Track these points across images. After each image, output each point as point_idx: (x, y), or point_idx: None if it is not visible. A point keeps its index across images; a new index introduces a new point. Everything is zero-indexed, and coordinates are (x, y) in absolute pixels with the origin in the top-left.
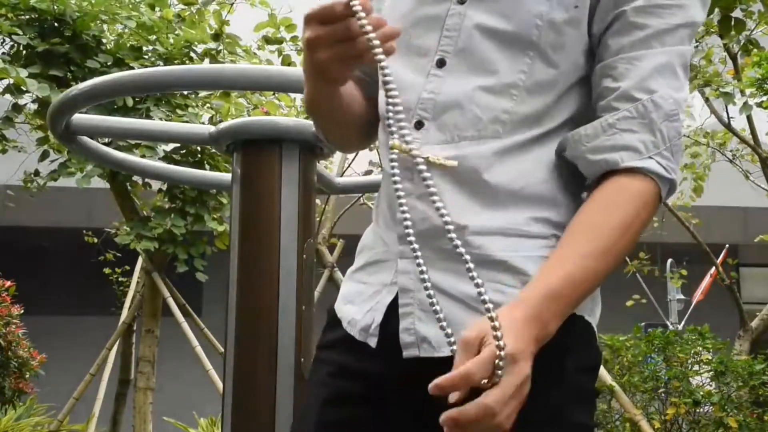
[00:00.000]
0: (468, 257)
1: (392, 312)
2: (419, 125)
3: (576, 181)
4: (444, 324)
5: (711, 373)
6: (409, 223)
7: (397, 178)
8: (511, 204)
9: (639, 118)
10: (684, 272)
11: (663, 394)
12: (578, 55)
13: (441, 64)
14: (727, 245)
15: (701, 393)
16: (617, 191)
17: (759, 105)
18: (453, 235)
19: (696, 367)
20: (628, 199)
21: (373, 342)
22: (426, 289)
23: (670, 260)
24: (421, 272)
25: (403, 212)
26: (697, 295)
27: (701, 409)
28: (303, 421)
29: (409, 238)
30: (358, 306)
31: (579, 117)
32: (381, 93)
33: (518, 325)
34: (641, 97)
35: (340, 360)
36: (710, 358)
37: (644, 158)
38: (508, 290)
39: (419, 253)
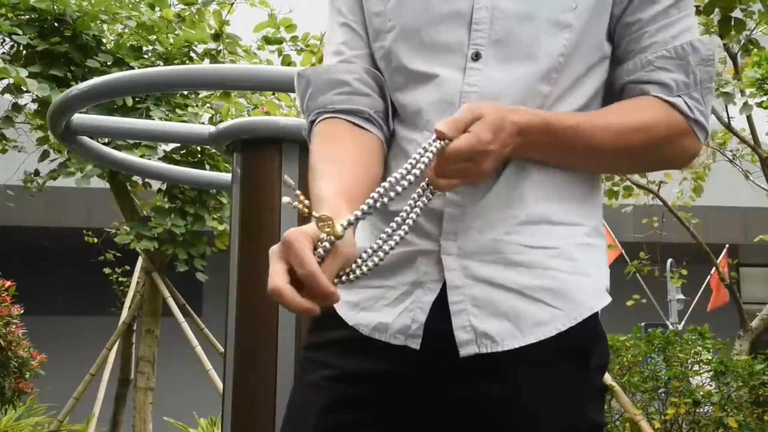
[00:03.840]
0: None
1: (437, 312)
2: None
3: None
4: None
5: (711, 373)
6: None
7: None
8: (554, 193)
9: (677, 59)
10: (684, 272)
11: (663, 394)
12: (601, 36)
13: (477, 57)
14: (727, 245)
15: (701, 393)
16: (644, 100)
17: (759, 105)
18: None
19: (696, 367)
20: (652, 106)
21: (415, 344)
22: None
23: (670, 260)
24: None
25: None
26: (713, 302)
27: (701, 409)
28: (297, 425)
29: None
30: (380, 311)
31: (597, 95)
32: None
33: (508, 122)
34: (679, 43)
35: (343, 363)
36: (710, 358)
37: (673, 96)
38: (561, 276)
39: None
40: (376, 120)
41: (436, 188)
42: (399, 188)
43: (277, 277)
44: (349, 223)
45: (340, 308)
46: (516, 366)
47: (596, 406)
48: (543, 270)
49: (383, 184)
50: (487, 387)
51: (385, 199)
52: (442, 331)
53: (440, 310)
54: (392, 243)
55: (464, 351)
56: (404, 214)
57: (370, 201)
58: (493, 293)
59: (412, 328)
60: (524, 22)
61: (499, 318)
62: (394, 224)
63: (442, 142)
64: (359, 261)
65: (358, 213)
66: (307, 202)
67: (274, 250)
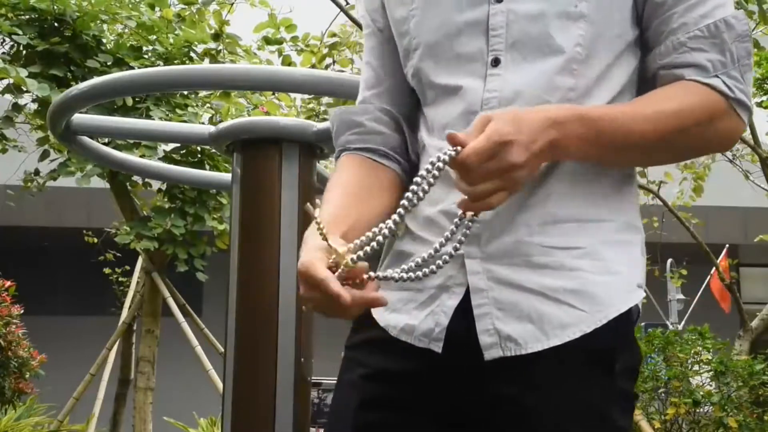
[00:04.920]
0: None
1: (461, 315)
2: None
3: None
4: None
5: (711, 373)
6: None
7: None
8: (580, 189)
9: (710, 37)
10: (684, 272)
11: (663, 394)
12: (625, 21)
13: (496, 62)
14: (727, 245)
15: (701, 393)
16: (680, 85)
17: (759, 105)
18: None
19: (696, 367)
20: (689, 90)
21: (437, 347)
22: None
23: (670, 260)
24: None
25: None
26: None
27: (701, 409)
28: (338, 422)
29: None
30: (408, 313)
31: (630, 85)
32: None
33: (533, 114)
34: (711, 21)
35: (374, 363)
36: (710, 358)
37: (710, 77)
38: (585, 276)
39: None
40: (391, 155)
41: (474, 202)
42: (409, 206)
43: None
44: (359, 257)
45: (374, 309)
46: (539, 368)
47: (622, 411)
48: (568, 271)
49: (398, 209)
50: (510, 389)
51: (397, 219)
52: (466, 334)
53: (465, 313)
54: (431, 268)
55: (489, 354)
56: (447, 246)
57: (381, 227)
58: (516, 296)
59: (435, 332)
60: (536, 20)
61: (523, 321)
62: (436, 257)
63: (453, 150)
64: (405, 268)
65: (366, 245)
66: (325, 230)
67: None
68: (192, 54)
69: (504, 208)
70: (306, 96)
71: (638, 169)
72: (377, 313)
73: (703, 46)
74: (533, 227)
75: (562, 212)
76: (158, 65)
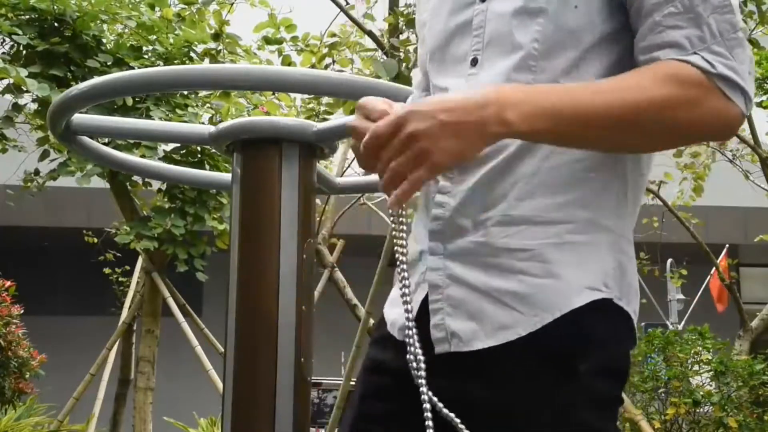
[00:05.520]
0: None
1: (425, 309)
2: None
3: (606, 160)
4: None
5: (711, 373)
6: (438, 215)
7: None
8: (542, 186)
9: (685, 12)
10: (684, 272)
11: (663, 394)
12: (592, 13)
13: (474, 62)
14: (727, 245)
15: (701, 393)
16: (655, 65)
17: (759, 105)
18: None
19: (696, 367)
20: (663, 70)
21: (402, 336)
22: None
23: (670, 260)
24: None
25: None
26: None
27: (701, 409)
28: (349, 410)
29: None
30: (398, 307)
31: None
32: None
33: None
34: None
35: (378, 357)
36: (710, 358)
37: (689, 54)
38: (528, 279)
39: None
40: None
41: (389, 186)
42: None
43: None
44: None
45: (386, 305)
46: (494, 367)
47: (595, 411)
48: (514, 273)
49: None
50: (467, 386)
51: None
52: (426, 329)
53: (428, 310)
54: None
55: (438, 349)
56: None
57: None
58: (467, 295)
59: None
60: (504, 18)
61: (469, 319)
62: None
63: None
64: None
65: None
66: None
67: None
68: (192, 54)
69: (462, 207)
70: (306, 96)
71: None
72: (385, 309)
73: (679, 23)
74: (489, 228)
75: (517, 213)
76: (158, 65)
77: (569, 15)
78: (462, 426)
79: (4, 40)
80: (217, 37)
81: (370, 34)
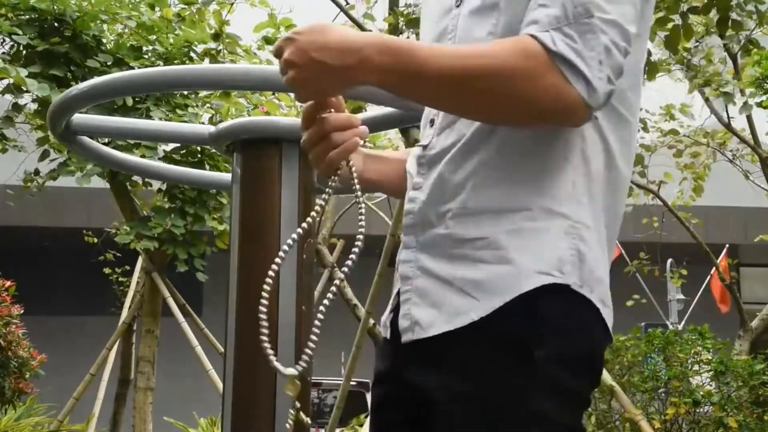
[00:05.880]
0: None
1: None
2: (431, 123)
3: (557, 150)
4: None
5: (711, 373)
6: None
7: (410, 171)
8: (498, 176)
9: None
10: (684, 272)
11: (663, 394)
12: (522, 8)
13: None
14: (727, 245)
15: (701, 393)
16: (516, 38)
17: (759, 105)
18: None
19: (696, 367)
20: (512, 42)
21: (387, 333)
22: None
23: (670, 260)
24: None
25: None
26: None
27: (701, 409)
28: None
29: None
30: (387, 309)
31: None
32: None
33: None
34: None
35: (378, 367)
36: (710, 358)
37: (542, 31)
38: (485, 267)
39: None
40: None
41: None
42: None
43: None
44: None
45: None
46: (452, 353)
47: (551, 401)
48: (473, 262)
49: None
50: (427, 375)
51: None
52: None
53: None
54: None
55: (404, 338)
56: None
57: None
58: (432, 284)
59: (386, 321)
60: (465, 17)
61: (431, 307)
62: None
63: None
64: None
65: None
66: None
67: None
68: (192, 54)
69: (428, 200)
70: None
71: (638, 168)
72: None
73: (546, 2)
74: (450, 220)
75: (474, 204)
76: (158, 65)
77: (519, 7)
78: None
79: (4, 40)
80: (217, 37)
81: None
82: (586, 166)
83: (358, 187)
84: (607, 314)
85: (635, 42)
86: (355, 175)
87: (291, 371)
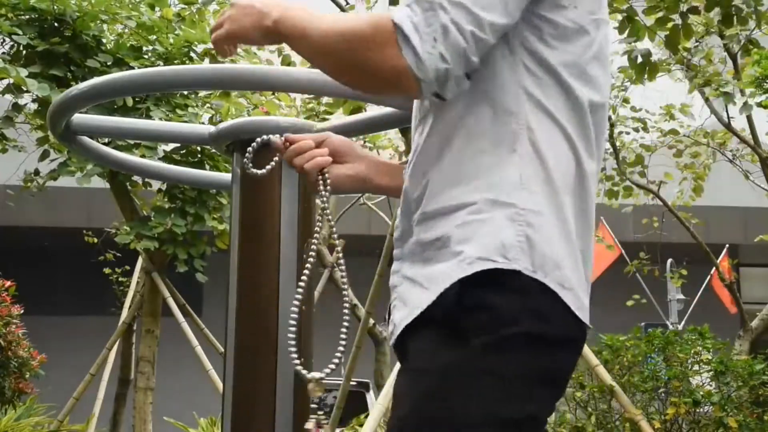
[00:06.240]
0: None
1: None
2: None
3: (502, 142)
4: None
5: (711, 373)
6: (396, 227)
7: None
8: (453, 176)
9: None
10: (684, 272)
11: (663, 394)
12: None
13: None
14: (727, 245)
15: (701, 393)
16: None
17: (759, 105)
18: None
19: (696, 367)
20: (374, 16)
21: (393, 341)
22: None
23: (670, 260)
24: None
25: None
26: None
27: (701, 409)
28: None
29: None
30: None
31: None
32: None
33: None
34: None
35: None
36: (710, 358)
37: (402, 6)
38: (439, 261)
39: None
40: None
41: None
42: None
43: None
44: None
45: None
46: (409, 349)
47: (495, 389)
48: (434, 261)
49: None
50: (401, 373)
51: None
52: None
53: None
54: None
55: (391, 342)
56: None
57: None
58: (407, 287)
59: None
60: None
61: (403, 307)
62: None
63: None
64: None
65: None
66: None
67: None
68: (192, 54)
69: (405, 211)
70: (306, 96)
71: (638, 168)
72: None
73: None
74: (417, 227)
75: (430, 208)
76: (158, 65)
77: None
78: None
79: (4, 40)
80: None
81: None
82: (538, 155)
83: (326, 194)
84: (570, 297)
85: (573, 12)
86: (328, 183)
87: (317, 375)
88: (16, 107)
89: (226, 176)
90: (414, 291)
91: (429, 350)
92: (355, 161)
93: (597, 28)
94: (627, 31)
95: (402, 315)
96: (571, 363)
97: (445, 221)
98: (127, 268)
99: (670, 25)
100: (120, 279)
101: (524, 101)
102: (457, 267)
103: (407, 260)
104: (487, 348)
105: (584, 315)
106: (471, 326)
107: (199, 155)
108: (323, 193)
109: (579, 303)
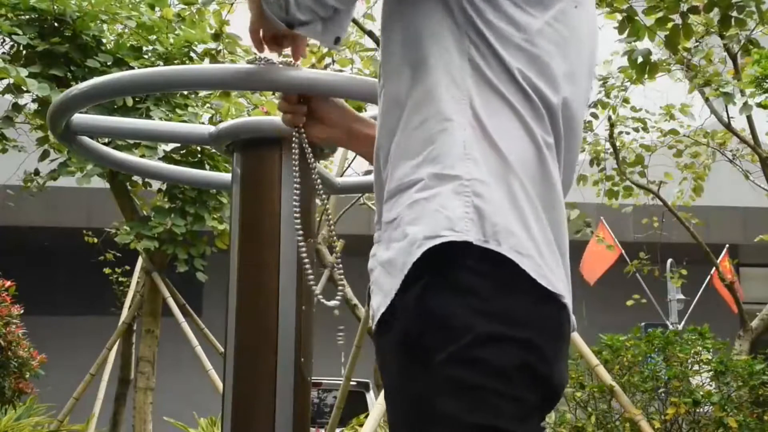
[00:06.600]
0: None
1: None
2: None
3: (446, 108)
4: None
5: (711, 373)
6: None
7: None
8: (403, 153)
9: None
10: (684, 272)
11: (663, 394)
12: None
13: None
14: (727, 245)
15: (701, 393)
16: None
17: (759, 105)
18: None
19: (696, 367)
20: None
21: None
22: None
23: (670, 260)
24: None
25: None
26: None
27: (701, 409)
28: None
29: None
30: None
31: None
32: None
33: None
34: None
35: None
36: (710, 358)
37: None
38: (394, 245)
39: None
40: None
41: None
42: None
43: None
44: None
45: None
46: (378, 345)
47: (452, 399)
48: (392, 243)
49: None
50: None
51: None
52: None
53: None
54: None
55: (374, 328)
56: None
57: None
58: (380, 272)
59: None
60: None
61: (378, 293)
62: None
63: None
64: None
65: None
66: None
67: None
68: (192, 54)
69: (378, 193)
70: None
71: (638, 168)
72: None
73: None
74: (384, 207)
75: (390, 188)
76: (158, 65)
77: None
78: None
79: (4, 40)
80: (217, 37)
81: (370, 33)
82: (479, 122)
83: (310, 153)
84: (529, 264)
85: None
86: (304, 138)
87: (333, 303)
88: (16, 107)
89: (226, 176)
90: (383, 276)
91: (395, 372)
92: (335, 126)
93: (546, 10)
94: (627, 31)
95: (378, 301)
96: (549, 341)
97: (399, 200)
98: (127, 268)
99: (670, 25)
100: (120, 279)
101: (468, 74)
102: (407, 251)
103: (380, 243)
104: (451, 361)
105: (551, 284)
106: (430, 343)
107: (199, 155)
108: (294, 146)
109: (541, 271)
